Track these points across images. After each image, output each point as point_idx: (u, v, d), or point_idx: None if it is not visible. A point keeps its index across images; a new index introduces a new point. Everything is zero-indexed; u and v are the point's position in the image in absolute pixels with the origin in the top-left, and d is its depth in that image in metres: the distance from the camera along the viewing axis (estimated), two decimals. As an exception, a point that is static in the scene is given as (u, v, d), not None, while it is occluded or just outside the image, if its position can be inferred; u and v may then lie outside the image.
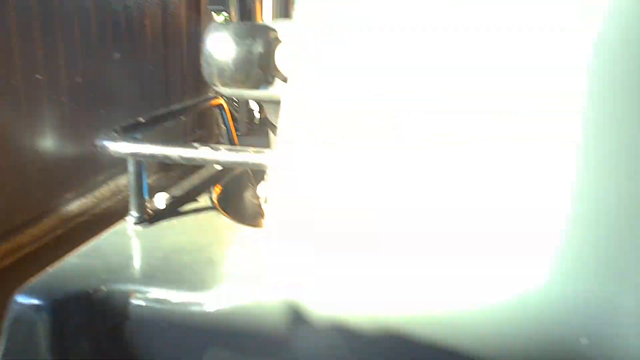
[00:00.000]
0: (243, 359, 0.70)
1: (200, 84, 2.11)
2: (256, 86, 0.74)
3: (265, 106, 1.32)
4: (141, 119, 0.95)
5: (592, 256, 0.56)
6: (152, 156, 0.84)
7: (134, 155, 0.85)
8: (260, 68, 0.61)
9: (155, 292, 0.71)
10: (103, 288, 0.72)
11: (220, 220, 0.95)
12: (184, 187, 1.08)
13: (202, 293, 0.70)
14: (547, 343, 0.55)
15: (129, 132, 0.89)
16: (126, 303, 0.71)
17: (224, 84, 0.71)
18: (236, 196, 1.20)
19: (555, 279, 0.56)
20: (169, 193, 1.02)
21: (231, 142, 1.31)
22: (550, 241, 0.56)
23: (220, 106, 1.23)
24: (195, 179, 1.14)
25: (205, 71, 0.72)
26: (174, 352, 0.72)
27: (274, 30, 0.63)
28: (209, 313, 0.68)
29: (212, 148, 0.82)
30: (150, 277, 0.75)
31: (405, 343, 0.58)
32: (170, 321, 0.71)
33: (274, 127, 1.13)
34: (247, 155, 0.79)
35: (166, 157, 0.84)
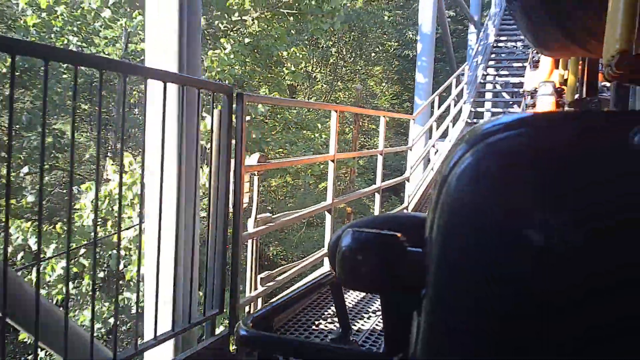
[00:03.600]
0: None
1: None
2: (384, 292, 0.77)
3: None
4: (273, 307, 1.02)
5: None
6: (285, 351, 0.87)
7: (268, 348, 0.88)
8: (387, 275, 0.61)
9: None
10: None
11: None
12: None
13: None
14: None
15: (263, 321, 0.95)
16: None
17: (351, 287, 0.75)
18: None
19: None
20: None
21: (343, 321, 1.32)
22: None
23: (336, 286, 1.24)
24: None
25: (334, 268, 0.77)
26: None
27: (402, 239, 0.62)
28: None
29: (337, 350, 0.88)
30: None
31: None
32: None
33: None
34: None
35: (296, 352, 0.86)
